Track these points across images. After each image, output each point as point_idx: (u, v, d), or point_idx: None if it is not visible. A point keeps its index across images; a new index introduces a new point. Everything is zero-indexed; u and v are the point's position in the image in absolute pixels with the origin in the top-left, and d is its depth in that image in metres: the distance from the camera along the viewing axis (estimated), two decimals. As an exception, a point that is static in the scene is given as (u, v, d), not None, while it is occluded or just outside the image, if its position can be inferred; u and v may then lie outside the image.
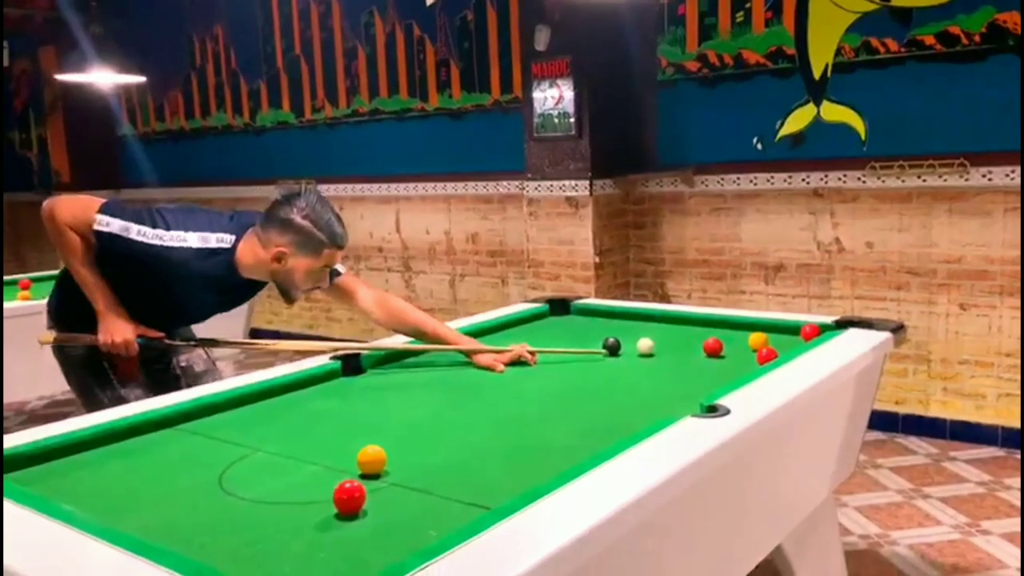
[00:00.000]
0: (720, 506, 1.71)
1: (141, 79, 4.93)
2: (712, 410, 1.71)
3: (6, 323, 3.46)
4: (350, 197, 6.05)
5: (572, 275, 4.64)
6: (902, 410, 4.02)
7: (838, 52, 4.03)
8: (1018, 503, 3.24)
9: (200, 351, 2.65)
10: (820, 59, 4.09)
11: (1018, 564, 2.78)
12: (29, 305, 3.67)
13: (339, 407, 2.05)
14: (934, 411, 3.97)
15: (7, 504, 1.36)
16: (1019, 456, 3.69)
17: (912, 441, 3.93)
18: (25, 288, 4.18)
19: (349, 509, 1.37)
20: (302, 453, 1.69)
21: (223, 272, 2.29)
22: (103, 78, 4.61)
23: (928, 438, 3.94)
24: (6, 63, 6.62)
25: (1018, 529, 3.02)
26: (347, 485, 1.38)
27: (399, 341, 2.52)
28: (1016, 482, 3.43)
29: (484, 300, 5.41)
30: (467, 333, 2.70)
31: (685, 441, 1.56)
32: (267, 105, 6.45)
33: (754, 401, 1.78)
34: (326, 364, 2.28)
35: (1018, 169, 3.64)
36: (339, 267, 2.44)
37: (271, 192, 6.46)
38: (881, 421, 3.98)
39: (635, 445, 1.54)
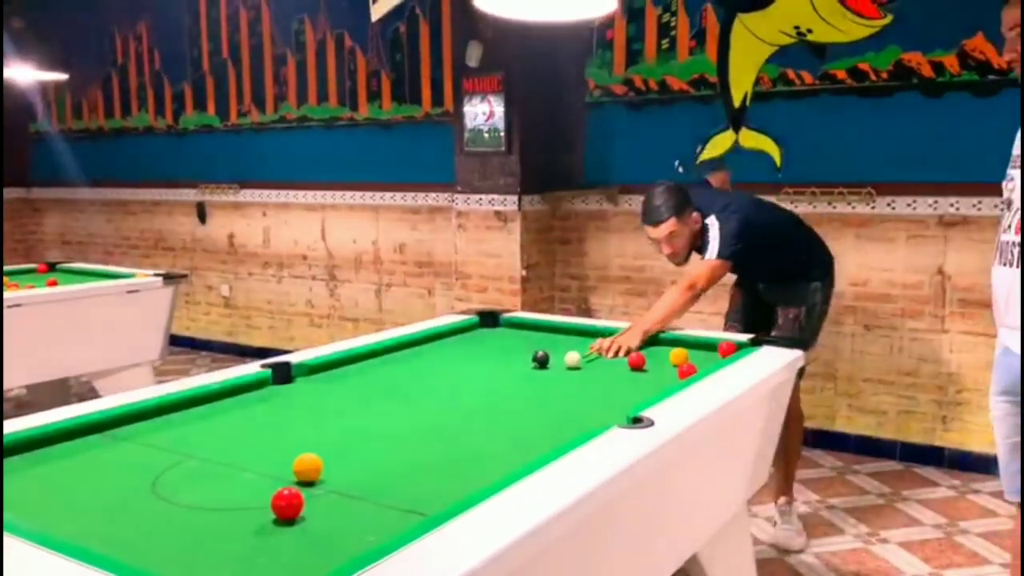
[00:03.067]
0: (644, 514, 1.79)
1: (63, 76, 4.78)
2: (637, 421, 1.79)
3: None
4: (275, 204, 6.00)
5: (499, 288, 4.70)
6: (810, 425, 4.20)
7: (757, 82, 4.23)
8: (915, 514, 3.44)
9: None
10: (740, 88, 4.28)
11: (914, 571, 2.96)
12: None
13: (271, 415, 2.06)
14: (839, 426, 4.18)
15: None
16: (916, 470, 3.91)
17: (818, 454, 4.12)
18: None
19: (287, 515, 1.39)
20: (236, 460, 1.70)
21: None
22: (22, 74, 4.47)
23: (834, 451, 4.14)
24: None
25: (914, 538, 3.21)
26: (285, 492, 1.40)
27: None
28: (912, 493, 3.64)
29: (410, 311, 5.43)
30: (397, 344, 2.74)
31: (612, 450, 1.63)
32: (191, 107, 6.33)
33: (677, 413, 1.87)
34: (256, 372, 2.28)
35: (919, 199, 3.88)
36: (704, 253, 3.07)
37: (193, 195, 6.36)
38: (790, 435, 4.15)
39: (565, 454, 1.60)
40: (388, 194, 5.51)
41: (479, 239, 4.75)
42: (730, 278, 3.36)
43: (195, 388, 2.12)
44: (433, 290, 5.43)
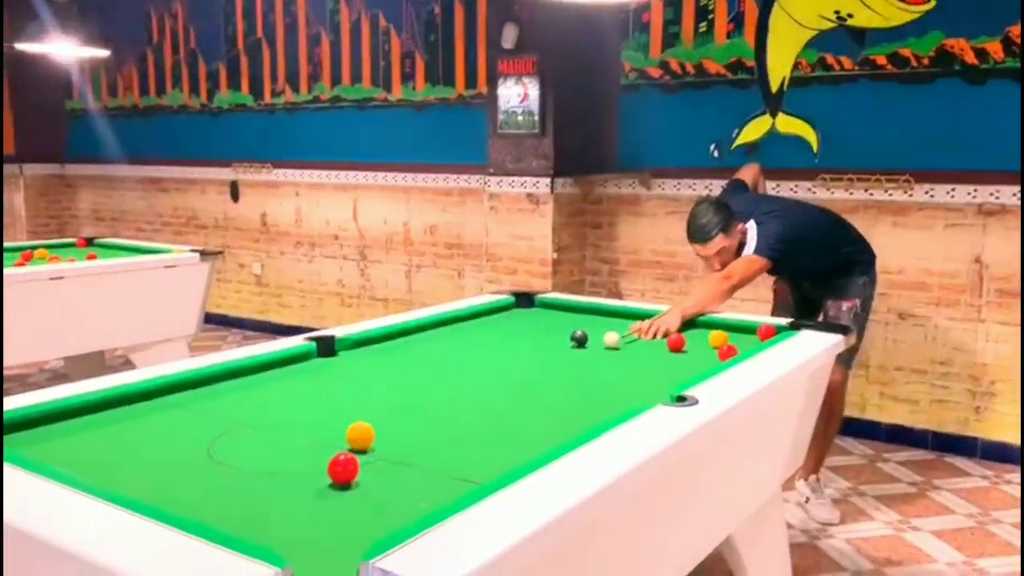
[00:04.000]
0: (686, 491, 1.80)
1: (105, 53, 4.83)
2: (682, 400, 1.80)
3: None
4: (307, 184, 6.04)
5: (529, 270, 4.72)
6: (840, 413, 4.20)
7: (795, 66, 4.19)
8: (947, 503, 3.43)
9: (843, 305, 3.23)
10: (778, 72, 4.25)
11: (946, 559, 2.96)
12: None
13: (317, 386, 2.09)
14: (871, 414, 4.16)
15: (10, 467, 1.38)
16: (948, 459, 3.89)
17: (849, 442, 4.11)
18: None
19: (343, 480, 1.42)
20: (287, 427, 1.74)
21: None
22: (64, 50, 4.52)
23: (865, 439, 4.13)
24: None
25: (947, 527, 3.20)
26: (341, 457, 1.44)
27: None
28: (944, 482, 3.63)
29: (439, 292, 5.46)
30: (436, 322, 2.77)
31: (659, 427, 1.65)
32: (226, 87, 6.38)
33: (720, 393, 1.88)
34: (301, 345, 2.31)
35: (959, 187, 3.85)
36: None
37: (226, 174, 6.42)
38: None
39: (612, 429, 1.62)
40: (420, 175, 5.53)
41: (511, 221, 4.76)
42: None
43: (242, 359, 2.15)
44: (462, 272, 5.45)
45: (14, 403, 1.73)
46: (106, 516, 1.22)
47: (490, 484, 1.36)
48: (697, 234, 3.14)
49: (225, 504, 1.35)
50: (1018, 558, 2.96)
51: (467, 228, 5.37)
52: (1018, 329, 3.75)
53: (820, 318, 3.31)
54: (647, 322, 2.70)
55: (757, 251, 3.05)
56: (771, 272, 3.26)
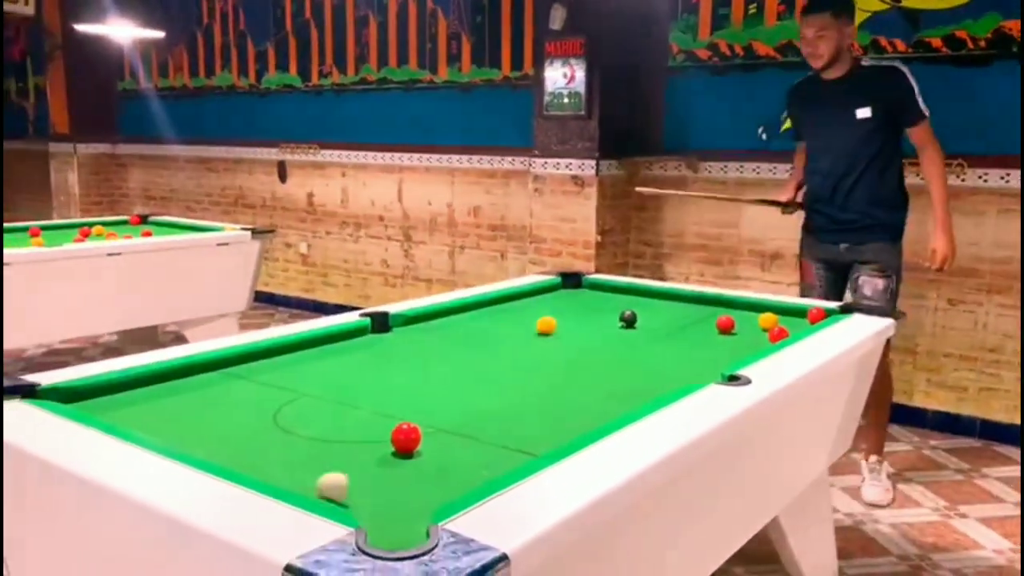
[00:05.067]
0: (737, 470, 1.82)
1: (160, 34, 4.93)
2: (734, 379, 1.82)
3: (23, 268, 3.52)
4: (353, 164, 6.11)
5: (573, 252, 4.73)
6: (886, 399, 4.17)
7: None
8: (994, 491, 3.40)
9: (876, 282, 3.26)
10: (829, 55, 4.19)
11: (993, 547, 2.94)
12: (44, 251, 3.71)
13: (373, 360, 2.14)
14: (918, 401, 4.12)
15: (85, 428, 1.45)
16: (996, 448, 3.85)
17: (895, 429, 4.07)
18: (35, 235, 4.22)
19: (406, 449, 1.47)
20: (347, 399, 1.79)
21: None
22: (121, 31, 4.62)
23: (910, 427, 4.09)
24: (31, 12, 6.56)
25: (994, 515, 3.18)
26: (404, 426, 1.48)
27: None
28: (992, 471, 3.59)
29: (483, 273, 5.50)
30: (485, 300, 2.80)
31: (713, 404, 1.67)
32: (274, 68, 6.46)
33: (772, 373, 1.89)
34: (356, 321, 2.36)
35: (1013, 173, 3.78)
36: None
37: (274, 154, 6.51)
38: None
39: (666, 406, 1.65)
40: (464, 157, 5.56)
41: (555, 203, 4.78)
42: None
43: (300, 333, 2.21)
44: (506, 253, 5.49)
45: (87, 371, 1.80)
46: (184, 477, 1.27)
47: (549, 455, 1.39)
48: (811, 3, 3.27)
49: (294, 469, 1.40)
50: (1068, 547, 2.93)
51: (511, 210, 5.40)
52: (1072, 317, 3.69)
53: (848, 294, 3.30)
54: (935, 258, 3.13)
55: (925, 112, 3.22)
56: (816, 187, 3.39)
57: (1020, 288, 3.80)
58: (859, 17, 4.08)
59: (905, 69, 3.26)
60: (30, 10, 6.66)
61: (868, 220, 3.31)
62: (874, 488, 3.29)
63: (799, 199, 3.54)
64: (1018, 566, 2.81)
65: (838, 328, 2.37)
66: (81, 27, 4.62)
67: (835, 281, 3.44)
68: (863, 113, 3.24)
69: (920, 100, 3.21)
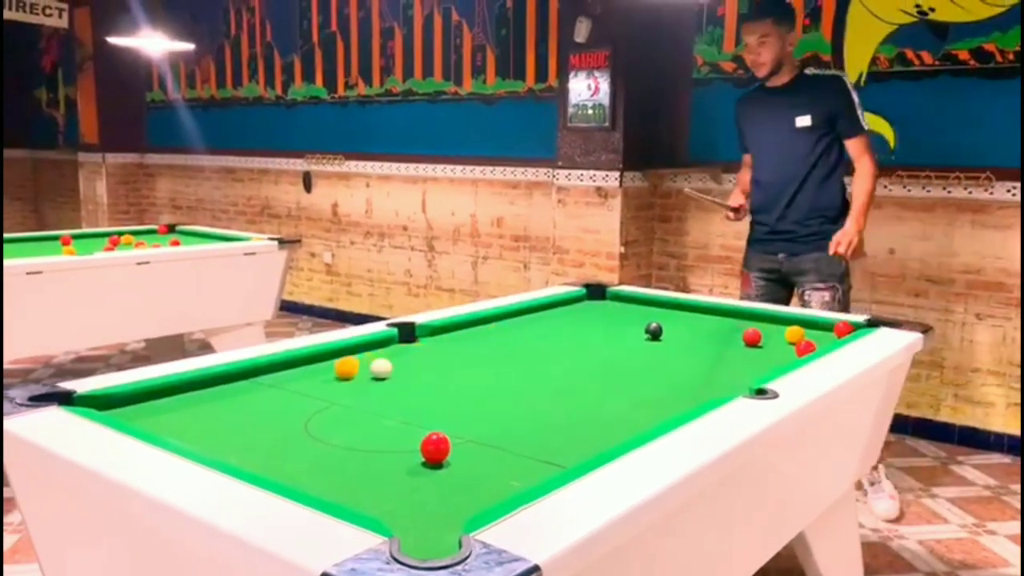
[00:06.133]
0: (765, 484, 1.82)
1: (190, 46, 5.01)
2: (762, 393, 1.82)
3: (54, 276, 3.57)
4: (378, 175, 6.15)
5: (596, 263, 4.74)
6: (913, 413, 4.14)
7: (873, 62, 4.13)
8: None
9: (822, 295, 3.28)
10: (855, 67, 4.19)
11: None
12: (75, 260, 3.76)
13: (401, 370, 2.15)
14: (944, 416, 4.09)
15: (121, 435, 1.47)
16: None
17: (921, 444, 4.05)
18: (67, 244, 4.29)
19: (435, 459, 1.48)
20: (376, 409, 1.81)
21: None
22: (153, 43, 4.70)
23: (937, 442, 4.06)
24: (65, 24, 6.68)
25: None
26: (434, 437, 1.49)
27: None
28: (1021, 488, 3.55)
29: (505, 284, 5.52)
30: (510, 311, 2.81)
31: (741, 418, 1.67)
32: (300, 79, 6.54)
33: (801, 387, 1.88)
34: (383, 331, 2.38)
35: (1043, 186, 3.76)
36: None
37: (299, 165, 6.58)
38: (892, 423, 4.08)
39: (694, 419, 1.65)
40: (488, 168, 5.59)
41: (578, 214, 4.79)
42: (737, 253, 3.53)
43: (329, 343, 2.23)
44: (528, 264, 5.50)
45: (121, 379, 1.83)
46: (219, 484, 1.29)
47: (578, 467, 1.40)
48: (754, 11, 3.37)
49: (326, 477, 1.42)
50: (1099, 566, 2.89)
51: (534, 221, 5.42)
52: (1103, 333, 3.65)
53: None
54: (841, 240, 3.10)
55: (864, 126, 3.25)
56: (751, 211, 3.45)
57: (1020, 299, 3.76)
58: (885, 30, 4.08)
59: (846, 79, 3.29)
60: (63, 22, 6.78)
61: (805, 230, 3.31)
62: (880, 501, 3.25)
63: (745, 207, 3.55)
64: (1048, 585, 2.77)
65: (866, 342, 2.35)
66: (114, 40, 4.69)
67: (773, 291, 3.43)
68: (803, 121, 3.25)
69: (859, 112, 3.22)
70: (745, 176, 3.59)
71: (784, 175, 3.32)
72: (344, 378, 2.00)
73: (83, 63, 7.64)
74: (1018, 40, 3.77)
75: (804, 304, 3.30)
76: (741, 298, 3.53)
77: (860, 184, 3.22)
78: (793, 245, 3.33)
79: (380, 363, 2.03)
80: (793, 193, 3.31)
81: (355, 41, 6.16)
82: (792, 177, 3.31)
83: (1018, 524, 3.21)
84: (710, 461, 1.47)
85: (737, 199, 3.54)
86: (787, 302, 3.40)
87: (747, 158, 3.60)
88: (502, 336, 2.56)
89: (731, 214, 3.52)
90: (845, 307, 3.29)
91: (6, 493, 3.22)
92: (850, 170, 3.31)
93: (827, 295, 3.24)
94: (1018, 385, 3.89)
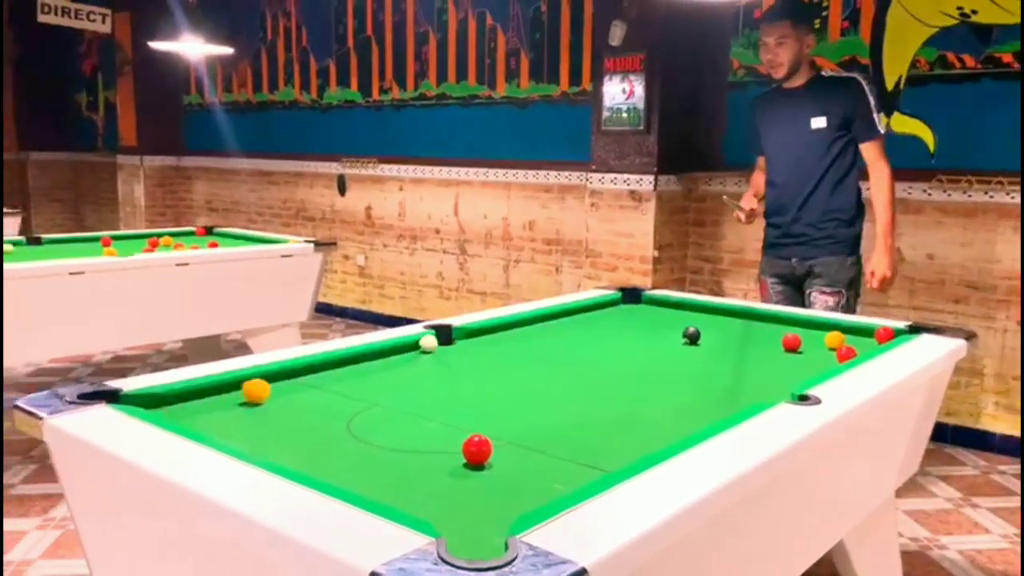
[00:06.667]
0: (806, 491, 1.80)
1: (229, 50, 5.08)
2: (804, 399, 1.80)
3: (96, 276, 3.64)
4: (411, 179, 6.19)
5: (630, 267, 4.73)
6: (952, 421, 4.08)
7: (913, 65, 4.08)
8: (1067, 519, 3.30)
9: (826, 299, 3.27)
10: (894, 71, 4.14)
11: (1067, 576, 2.85)
12: (116, 261, 3.83)
13: (439, 372, 2.17)
14: (984, 424, 4.02)
15: (168, 433, 1.50)
16: (1068, 474, 3.74)
17: (961, 452, 3.98)
18: (107, 245, 4.36)
19: (477, 460, 1.48)
20: (416, 410, 1.82)
21: None
22: (192, 48, 4.77)
23: (977, 450, 3.99)
24: (108, 29, 6.81)
25: (1067, 543, 3.08)
26: (476, 438, 1.50)
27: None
28: (1065, 499, 3.49)
29: (537, 287, 5.52)
30: (546, 314, 2.82)
31: (783, 424, 1.66)
32: (335, 83, 6.59)
33: (843, 393, 1.87)
34: (420, 333, 2.39)
35: (1088, 191, 3.68)
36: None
37: (334, 168, 6.64)
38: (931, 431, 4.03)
39: (736, 425, 1.64)
40: (520, 172, 5.60)
41: (612, 218, 4.78)
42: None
43: (367, 344, 2.25)
44: (560, 267, 5.50)
45: (165, 378, 1.86)
46: (267, 483, 1.31)
47: (621, 471, 1.40)
48: (773, 12, 3.31)
49: (370, 477, 1.43)
50: None
51: (566, 224, 5.41)
52: None
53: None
54: (876, 273, 3.13)
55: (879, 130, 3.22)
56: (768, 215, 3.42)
57: (1020, 300, 3.71)
58: (926, 33, 4.03)
59: (864, 82, 3.24)
60: (106, 28, 6.90)
61: (818, 234, 3.28)
62: None
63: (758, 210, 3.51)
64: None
65: (908, 348, 2.32)
66: (155, 44, 4.77)
67: (790, 295, 3.41)
68: (818, 123, 3.22)
69: (876, 116, 3.18)
70: (758, 179, 3.57)
71: (798, 176, 3.30)
72: (253, 402, 1.81)
73: (122, 67, 7.77)
74: (1063, 43, 3.70)
75: (808, 306, 3.28)
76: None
77: (879, 196, 3.19)
78: (806, 248, 3.31)
79: (428, 339, 2.29)
80: (807, 195, 3.29)
81: (390, 45, 6.21)
82: (806, 178, 3.28)
83: (1062, 535, 3.15)
84: (754, 467, 1.46)
85: (749, 202, 3.50)
86: (803, 305, 3.37)
87: (761, 160, 3.58)
88: (539, 339, 2.56)
89: (742, 216, 3.47)
90: (855, 305, 3.28)
91: (50, 489, 3.30)
92: (866, 174, 3.29)
93: (831, 300, 3.22)
94: (1061, 394, 3.82)
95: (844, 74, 3.36)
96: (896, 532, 2.60)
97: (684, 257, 4.90)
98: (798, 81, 3.31)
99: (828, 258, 3.26)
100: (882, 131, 3.21)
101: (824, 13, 4.31)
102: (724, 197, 3.59)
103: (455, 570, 1.04)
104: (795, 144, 3.30)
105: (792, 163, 3.32)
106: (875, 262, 3.18)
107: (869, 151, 3.21)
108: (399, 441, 1.63)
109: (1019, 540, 3.11)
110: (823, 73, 3.34)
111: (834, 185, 3.26)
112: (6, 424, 4.08)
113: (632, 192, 4.67)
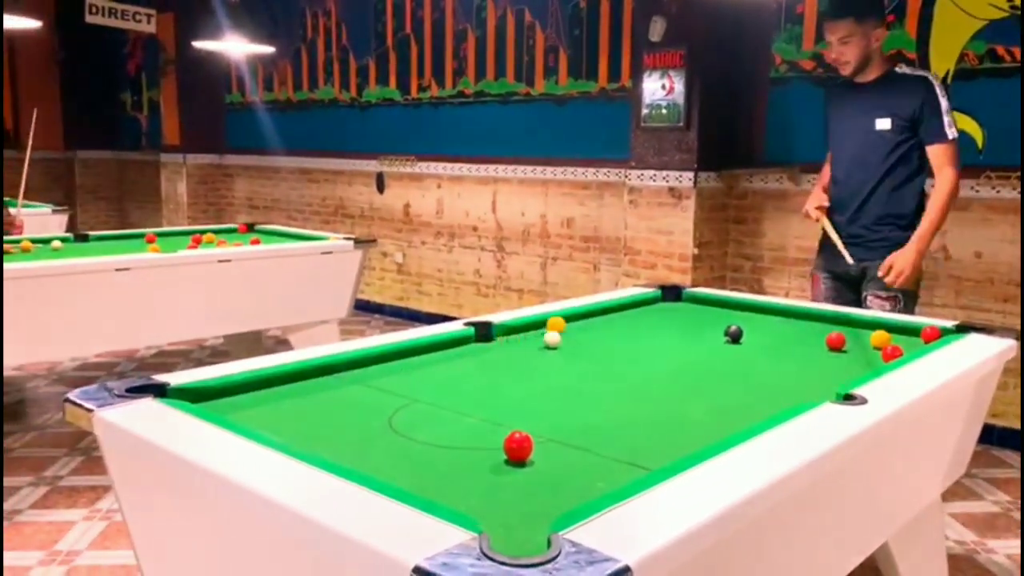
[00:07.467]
0: (851, 492, 1.78)
1: (270, 49, 5.14)
2: (850, 398, 1.78)
3: (141, 273, 3.70)
4: (449, 176, 6.21)
5: (669, 265, 4.70)
6: (999, 423, 3.99)
7: (961, 58, 4.00)
8: (1120, 524, 3.21)
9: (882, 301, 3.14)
10: (941, 65, 4.06)
11: (1121, 583, 2.78)
12: (161, 257, 3.89)
13: (479, 368, 2.17)
14: (1033, 427, 3.93)
15: (214, 427, 1.52)
16: (1121, 479, 3.64)
17: (1007, 455, 3.90)
18: (151, 242, 4.43)
19: (519, 457, 1.48)
20: (457, 406, 1.82)
21: None
22: (235, 47, 4.83)
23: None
24: (153, 30, 6.94)
25: (1121, 549, 3.00)
26: (517, 435, 1.50)
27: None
28: (1118, 504, 3.39)
29: (574, 285, 5.51)
30: (585, 312, 2.80)
31: (829, 424, 1.63)
32: (374, 82, 6.64)
33: (889, 393, 1.83)
34: (460, 330, 2.40)
35: None
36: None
37: (373, 166, 6.68)
38: (977, 433, 3.95)
39: (781, 424, 1.62)
40: (558, 169, 5.59)
41: (651, 215, 4.75)
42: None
43: (409, 340, 2.26)
44: (598, 265, 5.48)
45: (210, 373, 1.88)
46: (312, 476, 1.32)
47: (664, 469, 1.39)
48: (833, 8, 3.15)
49: (412, 472, 1.44)
50: None
51: (604, 221, 5.39)
52: None
53: None
54: (894, 265, 3.00)
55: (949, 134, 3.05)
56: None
57: (1020, 295, 3.62)
58: (974, 26, 3.94)
59: (935, 81, 3.05)
60: (151, 28, 7.02)
61: (873, 236, 3.16)
62: None
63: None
64: None
65: (955, 348, 2.28)
66: (198, 44, 4.84)
67: (841, 292, 3.29)
68: (882, 124, 3.09)
69: (946, 119, 3.00)
70: (828, 172, 3.48)
71: (858, 177, 3.18)
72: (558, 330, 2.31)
73: (166, 67, 7.90)
74: (1119, 35, 3.60)
75: (865, 308, 3.19)
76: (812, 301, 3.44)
77: (935, 198, 3.04)
78: (861, 249, 3.19)
79: (552, 335, 2.38)
80: (866, 196, 3.17)
81: (428, 43, 6.23)
82: (865, 180, 3.16)
83: (1115, 541, 3.07)
84: (800, 466, 1.44)
85: (820, 198, 3.38)
86: (857, 305, 3.29)
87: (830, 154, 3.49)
88: (579, 336, 2.55)
89: (814, 212, 3.34)
90: (912, 307, 3.17)
91: (97, 481, 3.36)
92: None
93: (887, 304, 3.09)
94: (1115, 396, 3.72)
95: (916, 72, 3.16)
96: (943, 535, 2.55)
97: (724, 255, 4.85)
98: (870, 75, 3.14)
99: (882, 261, 3.17)
100: (953, 135, 3.03)
101: (893, 2, 4.20)
102: (824, 221, 3.32)
103: (498, 566, 1.04)
104: (858, 143, 3.18)
105: (853, 163, 3.21)
106: (900, 255, 3.03)
107: (936, 155, 3.05)
108: (440, 437, 1.63)
109: (1070, 545, 3.04)
110: (897, 69, 3.14)
111: (894, 189, 3.13)
112: (55, 417, 4.17)
113: (671, 189, 4.64)
